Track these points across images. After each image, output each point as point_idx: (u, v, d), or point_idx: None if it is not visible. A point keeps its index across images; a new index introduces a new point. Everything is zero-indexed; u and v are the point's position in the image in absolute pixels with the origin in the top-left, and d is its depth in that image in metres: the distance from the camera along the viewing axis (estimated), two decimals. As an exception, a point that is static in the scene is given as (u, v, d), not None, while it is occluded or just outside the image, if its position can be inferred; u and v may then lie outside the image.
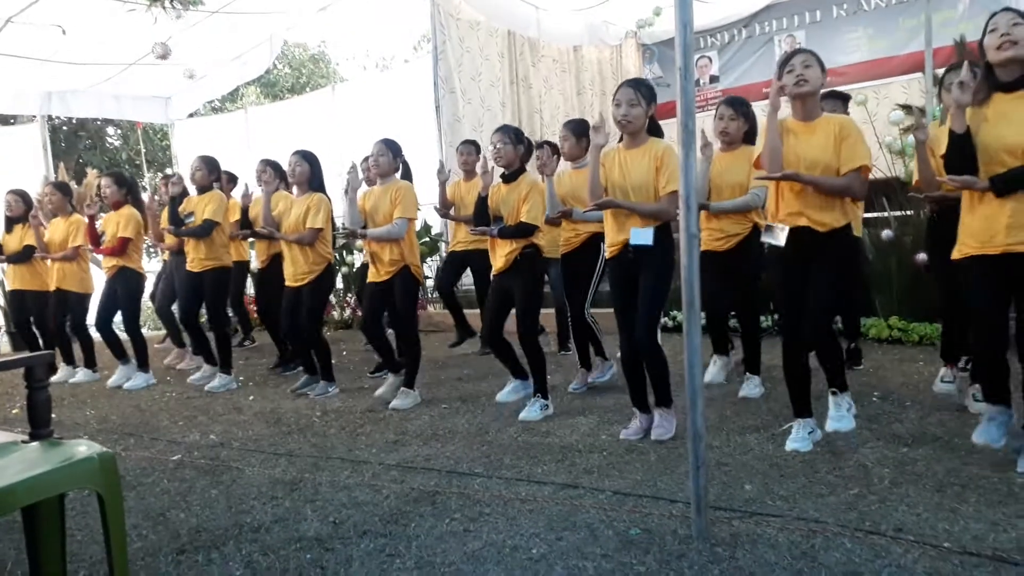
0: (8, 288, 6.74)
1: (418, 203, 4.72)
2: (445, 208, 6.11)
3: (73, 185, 7.35)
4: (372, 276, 4.74)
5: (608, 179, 3.63)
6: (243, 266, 6.95)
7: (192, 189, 5.84)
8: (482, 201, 4.29)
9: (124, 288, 5.97)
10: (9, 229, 6.49)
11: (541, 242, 4.24)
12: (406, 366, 4.76)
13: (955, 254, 3.04)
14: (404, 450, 3.74)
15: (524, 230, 4.16)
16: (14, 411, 5.30)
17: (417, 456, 3.61)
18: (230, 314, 6.89)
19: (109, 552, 2.09)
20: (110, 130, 18.13)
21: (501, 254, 4.24)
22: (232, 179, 7.07)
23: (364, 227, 4.67)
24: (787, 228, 3.26)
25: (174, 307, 6.81)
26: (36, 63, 8.54)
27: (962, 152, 2.89)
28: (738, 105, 4.35)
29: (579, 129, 4.54)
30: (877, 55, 8.24)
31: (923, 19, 6.79)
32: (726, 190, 4.29)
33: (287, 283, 5.17)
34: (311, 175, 5.11)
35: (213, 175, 5.76)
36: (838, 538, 2.40)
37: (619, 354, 3.77)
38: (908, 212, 5.77)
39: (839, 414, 3.47)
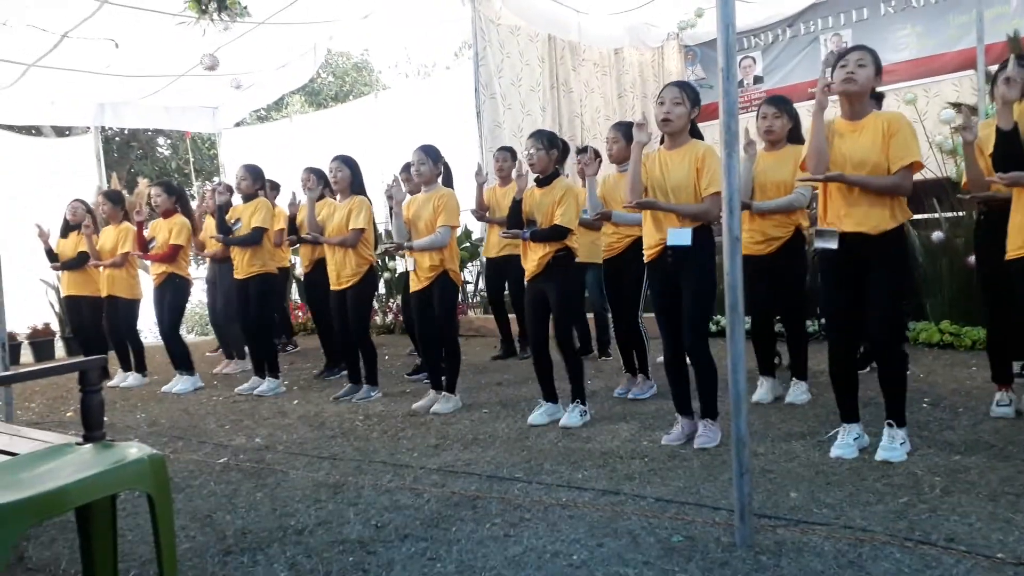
0: (63, 294, 6.95)
1: (459, 209, 4.73)
2: (482, 211, 6.14)
3: (125, 194, 7.55)
4: (413, 285, 4.73)
5: (649, 178, 3.60)
6: (286, 272, 7.05)
7: (237, 198, 5.96)
8: (516, 204, 4.27)
9: (171, 294, 6.14)
10: (64, 235, 6.71)
11: (576, 246, 4.21)
12: (446, 372, 4.77)
13: (1008, 255, 2.94)
14: (445, 454, 3.75)
15: (558, 233, 4.11)
16: (68, 414, 5.47)
17: (458, 460, 3.62)
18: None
19: (159, 552, 2.14)
20: (160, 140, 18.61)
21: (533, 258, 4.19)
22: (275, 187, 7.20)
23: (409, 239, 4.68)
24: (837, 232, 3.18)
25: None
26: (90, 76, 8.80)
27: (1010, 149, 2.80)
28: (780, 103, 4.27)
29: (630, 131, 4.50)
30: (926, 53, 8.06)
31: (974, 15, 6.61)
32: (770, 189, 4.18)
33: (332, 287, 5.24)
34: (352, 179, 5.19)
35: (258, 183, 5.86)
36: (887, 547, 2.34)
37: (660, 359, 3.73)
38: (960, 213, 5.60)
39: (892, 445, 3.17)
